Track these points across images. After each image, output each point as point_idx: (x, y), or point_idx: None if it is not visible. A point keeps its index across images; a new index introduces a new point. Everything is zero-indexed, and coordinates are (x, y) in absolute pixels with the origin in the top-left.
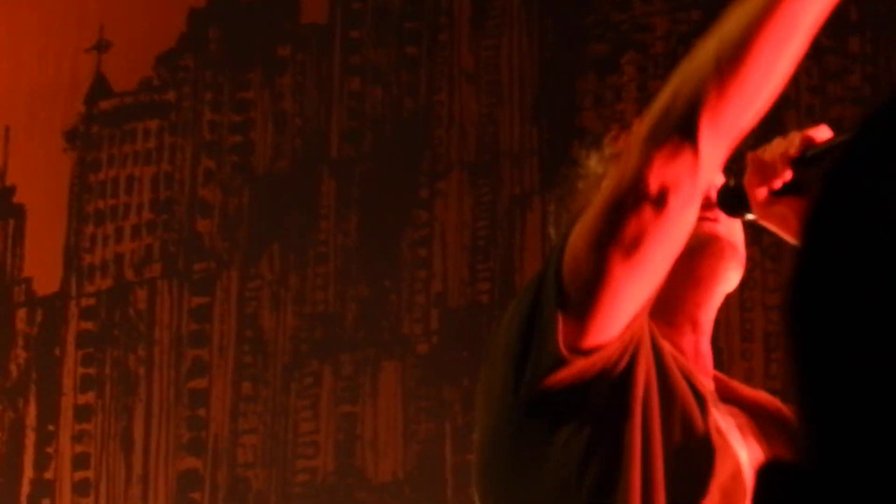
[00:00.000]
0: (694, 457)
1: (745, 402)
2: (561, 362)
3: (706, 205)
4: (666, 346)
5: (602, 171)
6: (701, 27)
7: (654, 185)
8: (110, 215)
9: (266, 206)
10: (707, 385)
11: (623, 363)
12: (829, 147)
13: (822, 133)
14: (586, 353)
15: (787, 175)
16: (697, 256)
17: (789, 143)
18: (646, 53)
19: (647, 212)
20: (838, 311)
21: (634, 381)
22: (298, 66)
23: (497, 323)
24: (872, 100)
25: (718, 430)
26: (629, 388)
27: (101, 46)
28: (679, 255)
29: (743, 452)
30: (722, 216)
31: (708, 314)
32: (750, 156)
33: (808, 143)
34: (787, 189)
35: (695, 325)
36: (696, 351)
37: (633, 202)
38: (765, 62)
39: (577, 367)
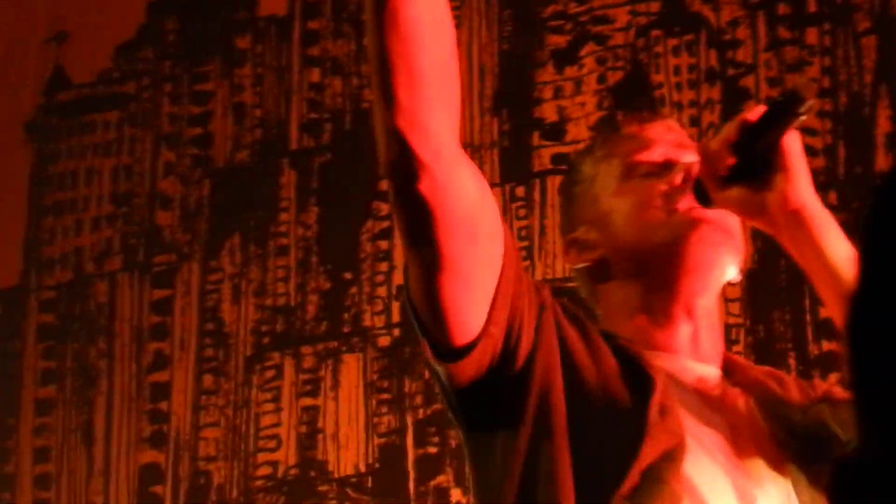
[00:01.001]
0: (617, 441)
1: (753, 384)
2: (445, 369)
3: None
4: (591, 332)
5: (593, 173)
6: (660, 18)
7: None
8: (69, 207)
9: (226, 198)
10: (695, 373)
11: (520, 361)
12: (759, 126)
13: (756, 112)
14: (463, 351)
15: (730, 160)
16: (686, 243)
17: (728, 130)
18: (605, 45)
19: (409, 204)
20: None
21: (531, 378)
22: (257, 57)
23: None
24: (830, 92)
25: (663, 411)
26: (526, 385)
27: (60, 38)
28: (669, 243)
29: (702, 432)
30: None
31: (705, 301)
32: (699, 145)
33: (744, 125)
34: (735, 174)
35: (690, 314)
36: (694, 339)
37: (396, 197)
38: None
39: (467, 367)
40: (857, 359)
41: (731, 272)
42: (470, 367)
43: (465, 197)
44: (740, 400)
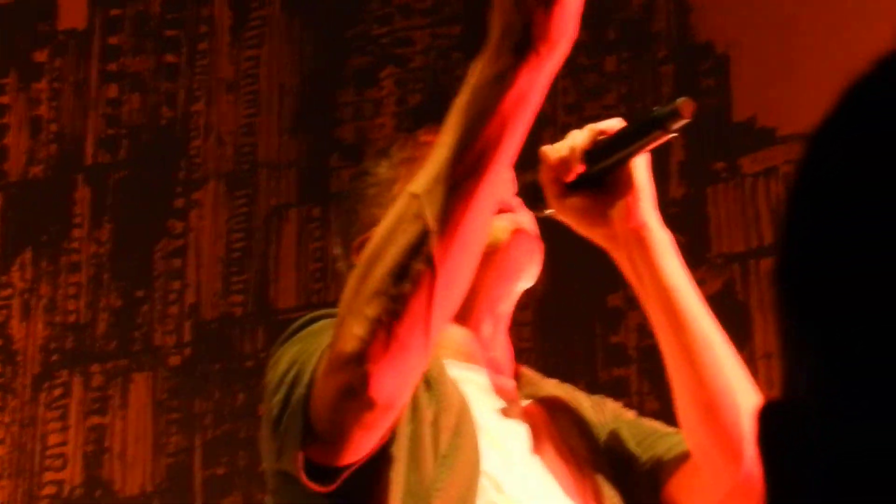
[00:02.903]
0: (419, 476)
1: (548, 399)
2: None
3: (507, 198)
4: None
5: (392, 176)
6: (461, 41)
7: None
8: None
9: (19, 212)
10: (495, 383)
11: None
12: (618, 138)
13: (614, 125)
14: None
15: (579, 168)
16: (502, 250)
17: (581, 137)
18: (405, 68)
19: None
20: (835, 261)
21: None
22: (55, 71)
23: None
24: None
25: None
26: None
27: None
28: (483, 249)
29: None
30: (523, 209)
31: (507, 308)
32: (543, 150)
33: (599, 136)
34: (581, 182)
35: (496, 320)
36: (491, 346)
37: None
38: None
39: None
40: (787, 300)
41: (532, 281)
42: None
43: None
44: (539, 415)
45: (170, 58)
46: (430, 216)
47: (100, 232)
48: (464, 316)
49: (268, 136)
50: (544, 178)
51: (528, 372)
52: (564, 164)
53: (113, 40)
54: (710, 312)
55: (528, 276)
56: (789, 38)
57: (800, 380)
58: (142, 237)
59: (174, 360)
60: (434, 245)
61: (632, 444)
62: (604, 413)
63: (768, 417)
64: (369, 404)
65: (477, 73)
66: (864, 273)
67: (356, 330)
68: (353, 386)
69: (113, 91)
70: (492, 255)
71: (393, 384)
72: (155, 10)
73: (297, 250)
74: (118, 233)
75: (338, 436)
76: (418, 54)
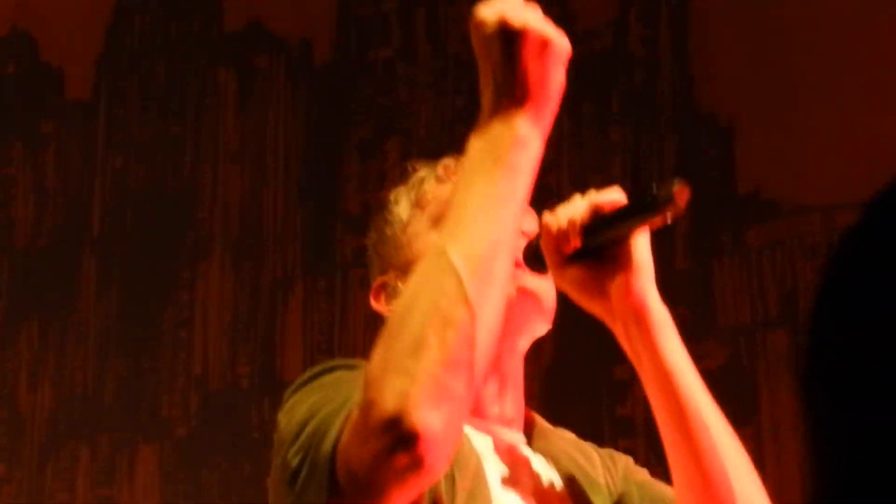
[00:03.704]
0: None
1: (560, 456)
2: None
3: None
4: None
5: (408, 217)
6: (464, 114)
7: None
8: None
9: (25, 282)
10: (500, 444)
11: None
12: (615, 215)
13: (612, 198)
14: None
15: (577, 242)
16: (507, 307)
17: (581, 209)
18: (409, 138)
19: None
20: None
21: None
22: (62, 142)
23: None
24: (632, 189)
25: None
26: None
27: None
28: None
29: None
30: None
31: (514, 365)
32: (544, 218)
33: (597, 211)
34: (579, 255)
35: (501, 377)
36: (500, 400)
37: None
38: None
39: None
40: (812, 402)
41: (540, 333)
42: None
43: None
44: (549, 475)
45: (175, 128)
46: (460, 261)
47: (107, 302)
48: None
49: (273, 207)
50: (545, 246)
51: (541, 423)
52: (563, 236)
53: (119, 111)
54: (709, 393)
55: (530, 333)
56: (793, 110)
57: (835, 466)
58: (148, 307)
59: (181, 431)
60: (469, 288)
61: None
62: (615, 472)
63: None
64: (418, 462)
65: (479, 129)
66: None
67: (398, 385)
68: (399, 444)
69: (119, 161)
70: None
71: (442, 439)
72: (160, 81)
73: (303, 321)
74: (125, 303)
75: (374, 495)
76: (422, 126)
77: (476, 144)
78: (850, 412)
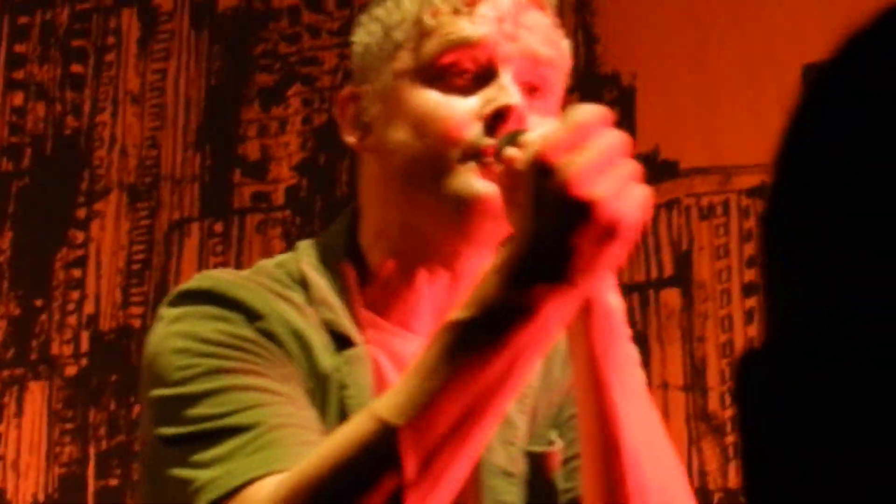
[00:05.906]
0: None
1: None
2: None
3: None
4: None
5: (394, 22)
6: None
7: None
8: None
9: None
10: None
11: None
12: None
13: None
14: None
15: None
16: (461, 219)
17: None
18: (312, 86)
19: None
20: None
21: None
22: None
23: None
24: None
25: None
26: None
27: None
28: (445, 211)
29: None
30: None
31: (472, 263)
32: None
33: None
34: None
35: (455, 275)
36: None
37: None
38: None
39: None
40: (777, 238)
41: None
42: None
43: None
44: None
45: (76, 68)
46: (409, 459)
47: (0, 239)
48: (420, 262)
49: (172, 150)
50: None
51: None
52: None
53: (19, 48)
54: (648, 402)
55: (494, 240)
56: (696, 73)
57: (784, 318)
58: (42, 246)
59: (70, 370)
60: (409, 496)
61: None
62: (564, 382)
63: (748, 365)
64: None
65: (487, 294)
66: (858, 214)
67: None
68: None
69: (18, 99)
70: (451, 223)
71: None
72: (62, 20)
73: (198, 265)
74: (19, 241)
75: None
76: (325, 74)
77: (474, 309)
78: (808, 252)
